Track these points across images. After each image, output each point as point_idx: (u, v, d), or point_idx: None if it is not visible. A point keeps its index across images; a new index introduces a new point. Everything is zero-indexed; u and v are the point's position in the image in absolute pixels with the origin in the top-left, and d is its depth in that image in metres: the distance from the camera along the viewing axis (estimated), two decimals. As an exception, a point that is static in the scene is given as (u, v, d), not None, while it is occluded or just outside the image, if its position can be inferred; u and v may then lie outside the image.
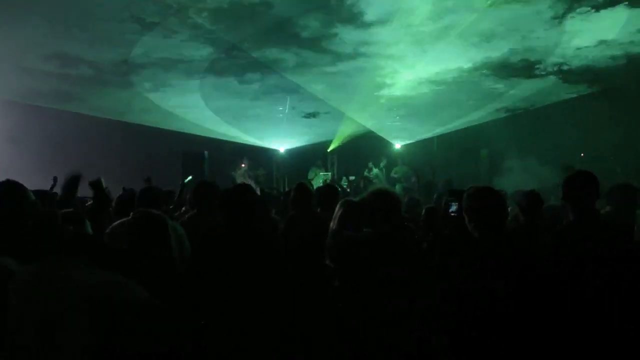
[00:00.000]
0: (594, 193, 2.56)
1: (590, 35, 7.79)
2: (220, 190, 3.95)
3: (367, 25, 7.42)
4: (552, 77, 9.52)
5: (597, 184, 2.57)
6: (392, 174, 12.49)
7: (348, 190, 8.02)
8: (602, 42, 8.00)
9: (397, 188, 10.37)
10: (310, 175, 13.03)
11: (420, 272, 2.65)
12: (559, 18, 7.20)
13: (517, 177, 7.48)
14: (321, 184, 10.27)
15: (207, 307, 2.62)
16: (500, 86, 9.96)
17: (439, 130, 12.90)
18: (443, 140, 13.40)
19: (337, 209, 3.10)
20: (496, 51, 8.29)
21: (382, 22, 7.35)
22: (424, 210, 4.05)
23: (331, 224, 3.06)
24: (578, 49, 8.27)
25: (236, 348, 2.59)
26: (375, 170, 12.45)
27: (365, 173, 12.58)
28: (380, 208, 2.77)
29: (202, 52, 8.34)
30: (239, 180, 11.77)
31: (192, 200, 4.13)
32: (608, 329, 2.27)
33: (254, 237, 2.86)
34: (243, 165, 13.52)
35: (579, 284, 2.35)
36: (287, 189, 7.88)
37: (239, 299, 2.65)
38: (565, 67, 9.09)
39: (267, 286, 2.72)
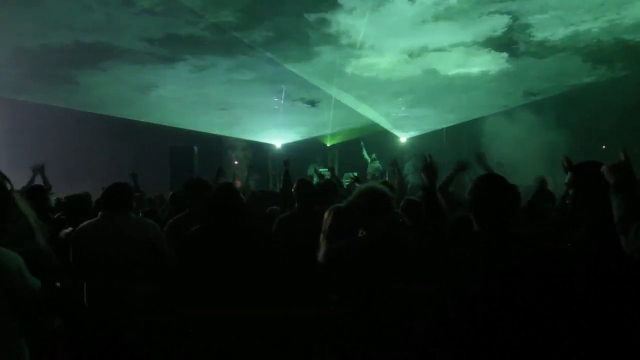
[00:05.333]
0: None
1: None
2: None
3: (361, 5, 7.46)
4: (571, 57, 9.49)
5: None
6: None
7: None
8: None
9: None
10: (310, 172, 13.05)
11: (420, 274, 2.64)
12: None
13: (534, 170, 7.50)
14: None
15: (197, 308, 2.74)
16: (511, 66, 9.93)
17: (449, 119, 12.80)
18: (453, 131, 13.34)
19: (325, 216, 3.10)
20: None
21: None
22: (402, 203, 3.93)
23: (321, 236, 3.02)
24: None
25: (226, 350, 2.68)
26: (377, 163, 12.47)
27: (370, 161, 12.60)
28: (370, 208, 2.74)
29: (188, 32, 8.28)
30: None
31: (185, 200, 4.17)
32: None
33: (243, 236, 2.97)
34: (236, 162, 13.56)
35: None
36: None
37: (229, 299, 2.75)
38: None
39: (261, 285, 2.80)
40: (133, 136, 12.04)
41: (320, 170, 9.38)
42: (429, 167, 2.75)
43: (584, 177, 2.52)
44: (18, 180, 5.03)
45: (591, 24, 8.36)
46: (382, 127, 13.45)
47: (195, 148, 12.28)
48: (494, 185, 2.42)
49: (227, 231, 2.95)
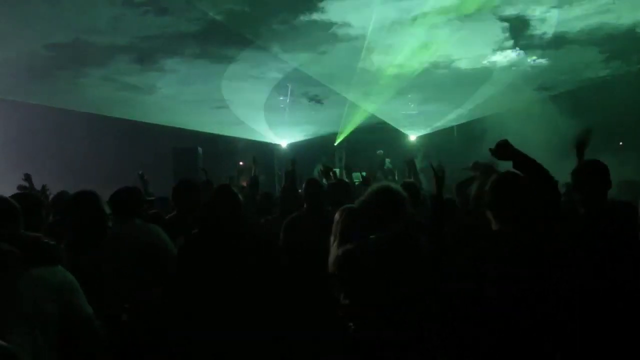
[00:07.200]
0: (601, 183, 2.71)
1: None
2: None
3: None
4: (585, 51, 9.41)
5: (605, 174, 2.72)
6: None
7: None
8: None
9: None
10: (316, 173, 12.99)
11: (433, 275, 2.61)
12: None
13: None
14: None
15: (198, 310, 2.82)
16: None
17: (460, 116, 12.66)
18: (464, 128, 13.25)
19: (336, 217, 3.05)
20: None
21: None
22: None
23: (331, 238, 2.99)
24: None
25: (228, 353, 2.72)
26: (387, 161, 12.38)
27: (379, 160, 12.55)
28: (384, 208, 2.72)
29: (190, 30, 8.25)
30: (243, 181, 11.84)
31: (171, 201, 4.26)
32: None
33: (243, 238, 3.04)
34: (241, 162, 13.55)
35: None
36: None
37: (230, 302, 2.81)
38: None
39: (261, 287, 2.86)
40: (135, 137, 12.05)
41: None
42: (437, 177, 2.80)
43: (582, 174, 2.76)
44: (17, 182, 5.02)
45: (605, 17, 8.28)
46: (391, 125, 13.35)
47: (200, 149, 12.26)
48: (516, 184, 2.43)
49: (226, 233, 2.99)
